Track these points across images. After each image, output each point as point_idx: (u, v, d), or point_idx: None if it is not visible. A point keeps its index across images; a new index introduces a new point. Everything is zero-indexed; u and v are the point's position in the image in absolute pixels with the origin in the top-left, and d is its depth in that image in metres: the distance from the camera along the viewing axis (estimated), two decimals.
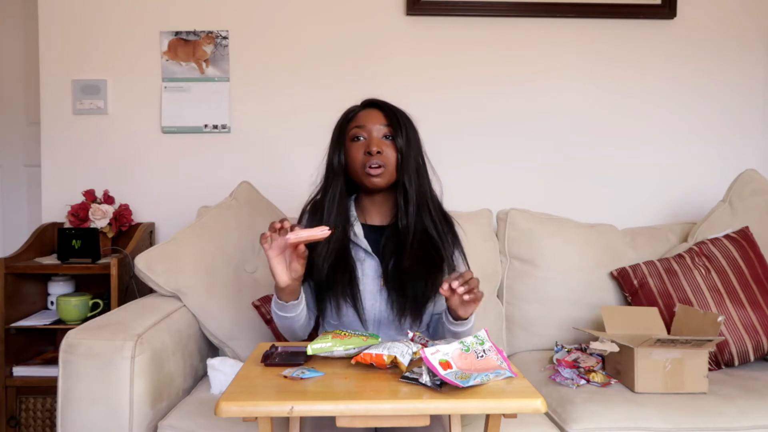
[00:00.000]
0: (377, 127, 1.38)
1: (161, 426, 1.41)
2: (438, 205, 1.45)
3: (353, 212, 1.44)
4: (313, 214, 1.43)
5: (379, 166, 1.36)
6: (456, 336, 1.35)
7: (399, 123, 1.39)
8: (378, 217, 1.46)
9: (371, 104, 1.44)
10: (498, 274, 2.00)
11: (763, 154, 2.41)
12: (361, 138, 1.39)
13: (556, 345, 1.78)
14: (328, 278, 1.37)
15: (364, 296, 1.39)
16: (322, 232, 1.20)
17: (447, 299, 1.26)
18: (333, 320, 1.42)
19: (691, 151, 2.39)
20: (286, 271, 1.26)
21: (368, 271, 1.40)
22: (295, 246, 1.23)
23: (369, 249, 1.40)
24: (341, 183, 1.42)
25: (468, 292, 1.21)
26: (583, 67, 2.36)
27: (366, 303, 1.39)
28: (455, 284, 1.20)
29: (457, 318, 1.31)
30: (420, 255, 1.37)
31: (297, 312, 1.34)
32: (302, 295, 1.35)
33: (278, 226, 1.21)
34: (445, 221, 1.44)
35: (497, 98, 2.36)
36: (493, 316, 1.95)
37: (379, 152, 1.36)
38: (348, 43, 2.33)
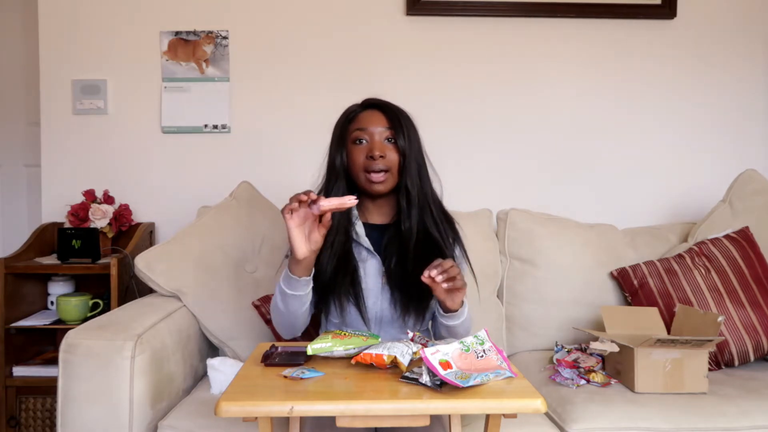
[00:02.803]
0: (379, 130, 1.38)
1: (161, 426, 1.41)
2: (439, 204, 1.45)
3: (354, 212, 1.44)
4: None
5: (382, 171, 1.36)
6: (450, 330, 1.34)
7: (401, 125, 1.39)
8: (379, 216, 1.46)
9: (372, 105, 1.43)
10: (498, 274, 2.00)
11: (763, 154, 2.41)
12: (363, 141, 1.38)
13: (556, 345, 1.78)
14: (331, 278, 1.37)
15: (366, 295, 1.39)
16: (350, 200, 1.19)
17: (433, 290, 1.26)
18: (335, 319, 1.42)
19: (692, 151, 2.39)
20: (305, 242, 1.24)
21: (370, 270, 1.40)
22: (320, 216, 1.22)
23: (371, 248, 1.40)
24: (343, 185, 1.41)
25: (448, 280, 1.21)
26: (582, 67, 2.36)
27: (368, 302, 1.39)
28: (434, 273, 1.19)
29: (447, 310, 1.31)
30: (423, 255, 1.37)
31: (306, 291, 1.32)
32: (311, 274, 1.34)
33: (304, 198, 1.20)
34: (446, 220, 1.44)
35: (497, 98, 2.36)
36: (493, 316, 1.95)
37: (381, 156, 1.36)
38: (348, 43, 2.33)
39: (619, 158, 2.38)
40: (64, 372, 1.38)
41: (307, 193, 1.21)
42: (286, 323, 1.40)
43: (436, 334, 1.42)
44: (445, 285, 1.21)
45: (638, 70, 2.37)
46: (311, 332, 1.64)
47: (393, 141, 1.38)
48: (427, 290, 1.36)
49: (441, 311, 1.33)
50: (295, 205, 1.21)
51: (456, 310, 1.31)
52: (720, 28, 2.38)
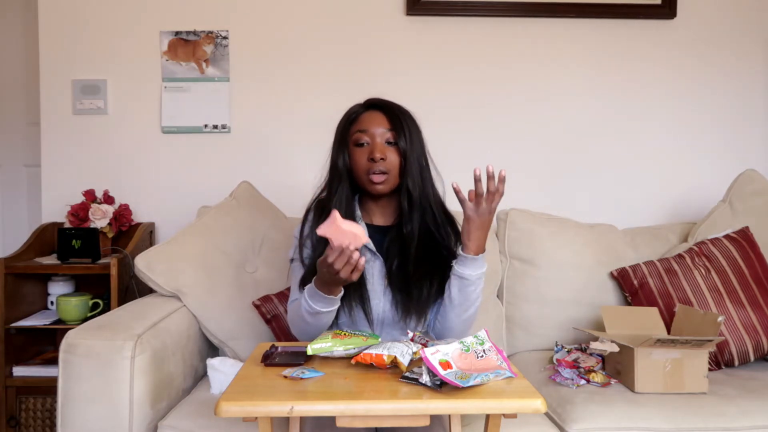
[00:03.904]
0: (380, 132, 1.37)
1: (161, 426, 1.41)
2: (440, 204, 1.44)
3: (358, 212, 1.44)
4: (318, 214, 1.43)
5: (383, 173, 1.36)
6: (463, 286, 1.33)
7: (402, 126, 1.38)
8: (381, 217, 1.46)
9: (373, 105, 1.42)
10: (498, 274, 2.00)
11: (763, 154, 2.41)
12: (365, 143, 1.38)
13: (556, 345, 1.78)
14: None
15: (371, 296, 1.39)
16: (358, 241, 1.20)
17: (463, 204, 1.28)
18: (339, 320, 1.42)
19: (691, 151, 2.39)
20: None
21: (374, 272, 1.40)
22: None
23: (375, 250, 1.40)
24: (346, 186, 1.41)
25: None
26: (582, 67, 2.36)
27: (372, 303, 1.39)
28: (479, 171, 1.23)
29: (466, 252, 1.30)
30: (424, 257, 1.38)
31: (338, 303, 1.33)
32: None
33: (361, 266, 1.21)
34: (448, 220, 1.44)
35: (497, 98, 2.36)
36: (493, 316, 1.95)
37: (382, 158, 1.35)
38: (348, 43, 2.33)
39: (619, 158, 2.38)
40: (64, 372, 1.38)
41: (347, 255, 1.20)
42: (315, 332, 1.37)
43: (448, 299, 1.37)
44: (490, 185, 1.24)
45: (638, 70, 2.37)
46: None
47: (394, 143, 1.38)
48: (429, 292, 1.36)
49: (460, 253, 1.32)
50: (348, 267, 1.21)
51: (476, 255, 1.30)
52: (720, 29, 2.37)
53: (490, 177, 1.26)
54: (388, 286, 1.39)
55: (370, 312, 1.38)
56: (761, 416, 1.44)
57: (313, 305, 1.31)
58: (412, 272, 1.36)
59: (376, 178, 1.36)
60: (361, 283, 1.38)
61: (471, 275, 1.32)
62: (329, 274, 1.23)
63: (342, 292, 1.31)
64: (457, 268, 1.33)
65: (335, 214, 1.20)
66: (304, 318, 1.34)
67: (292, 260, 1.45)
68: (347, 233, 1.18)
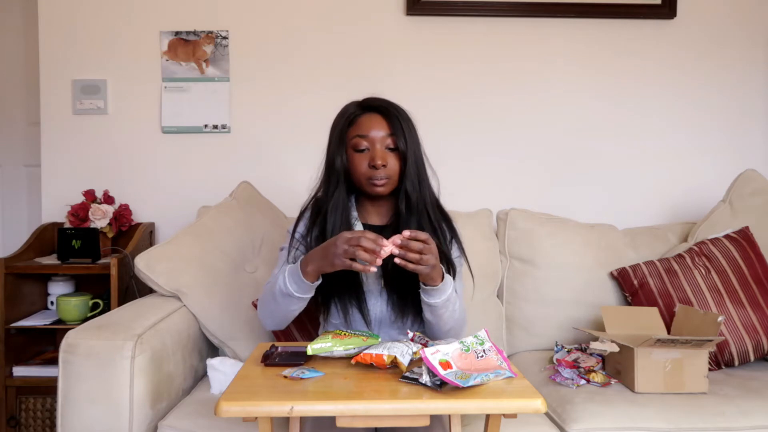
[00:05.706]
0: (381, 137, 1.36)
1: (161, 426, 1.41)
2: (436, 204, 1.44)
3: (354, 213, 1.44)
4: (315, 213, 1.43)
5: (384, 178, 1.36)
6: (432, 312, 1.32)
7: (402, 129, 1.37)
8: (377, 217, 1.46)
9: (372, 108, 1.41)
10: (498, 274, 2.00)
11: (763, 154, 2.41)
12: (365, 149, 1.37)
13: (556, 345, 1.78)
14: (333, 280, 1.36)
15: (368, 297, 1.39)
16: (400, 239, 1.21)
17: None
18: (335, 320, 1.42)
19: (692, 151, 2.39)
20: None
21: (370, 273, 1.40)
22: None
23: None
24: (343, 188, 1.40)
25: (411, 251, 1.19)
26: (582, 67, 2.36)
27: (369, 304, 1.39)
28: (397, 241, 1.19)
29: (425, 284, 1.28)
30: None
31: (312, 294, 1.32)
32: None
33: (377, 261, 1.19)
34: (444, 219, 1.44)
35: (497, 98, 2.36)
36: (493, 316, 1.95)
37: (384, 165, 1.35)
38: (348, 43, 2.33)
39: (619, 158, 2.38)
40: (64, 372, 1.38)
41: (377, 244, 1.19)
42: (279, 318, 1.39)
43: (424, 322, 1.38)
44: (396, 261, 1.20)
45: (638, 70, 2.37)
46: (311, 332, 1.64)
47: (395, 148, 1.37)
48: None
49: (422, 285, 1.30)
50: (365, 255, 1.19)
51: (434, 285, 1.27)
52: (720, 28, 2.38)
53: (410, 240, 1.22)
54: (384, 287, 1.39)
55: (367, 313, 1.39)
56: (761, 416, 1.45)
57: (290, 288, 1.30)
58: (409, 274, 1.35)
59: (378, 182, 1.36)
60: (357, 284, 1.38)
61: (437, 302, 1.30)
62: (334, 248, 1.22)
63: (319, 282, 1.30)
64: (423, 297, 1.31)
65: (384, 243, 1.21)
66: (275, 296, 1.33)
67: (281, 249, 1.46)
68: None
